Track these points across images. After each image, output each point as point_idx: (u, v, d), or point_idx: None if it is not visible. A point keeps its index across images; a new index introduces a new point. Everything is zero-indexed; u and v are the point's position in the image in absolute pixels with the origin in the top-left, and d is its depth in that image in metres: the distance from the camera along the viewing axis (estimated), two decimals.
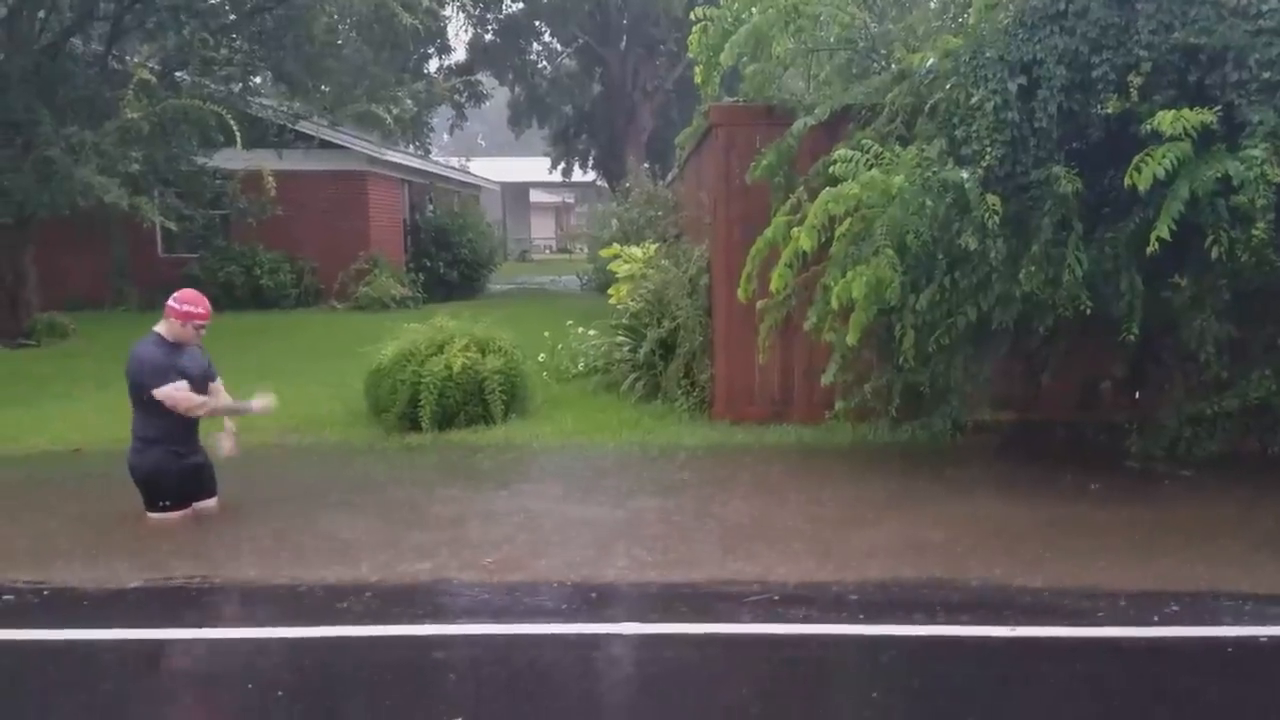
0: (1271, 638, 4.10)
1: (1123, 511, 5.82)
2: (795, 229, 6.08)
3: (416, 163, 23.70)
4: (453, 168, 29.84)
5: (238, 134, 12.30)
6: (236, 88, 15.31)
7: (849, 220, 6.05)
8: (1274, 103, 5.08)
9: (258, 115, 15.71)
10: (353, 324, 15.20)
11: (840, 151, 6.19)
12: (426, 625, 4.43)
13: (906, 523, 5.70)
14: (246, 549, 5.38)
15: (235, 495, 6.19)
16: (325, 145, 18.43)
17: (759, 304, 7.02)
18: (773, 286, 6.31)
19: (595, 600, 4.70)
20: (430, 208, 23.62)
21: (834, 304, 6.02)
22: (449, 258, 21.08)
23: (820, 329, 6.55)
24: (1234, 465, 6.47)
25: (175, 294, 5.87)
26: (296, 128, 16.79)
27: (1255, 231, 5.01)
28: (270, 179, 13.75)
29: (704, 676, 3.97)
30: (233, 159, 14.27)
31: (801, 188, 6.89)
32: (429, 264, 20.60)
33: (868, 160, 5.99)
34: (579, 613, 4.59)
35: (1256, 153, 4.95)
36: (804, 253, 6.04)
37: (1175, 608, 4.45)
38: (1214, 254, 5.23)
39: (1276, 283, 5.51)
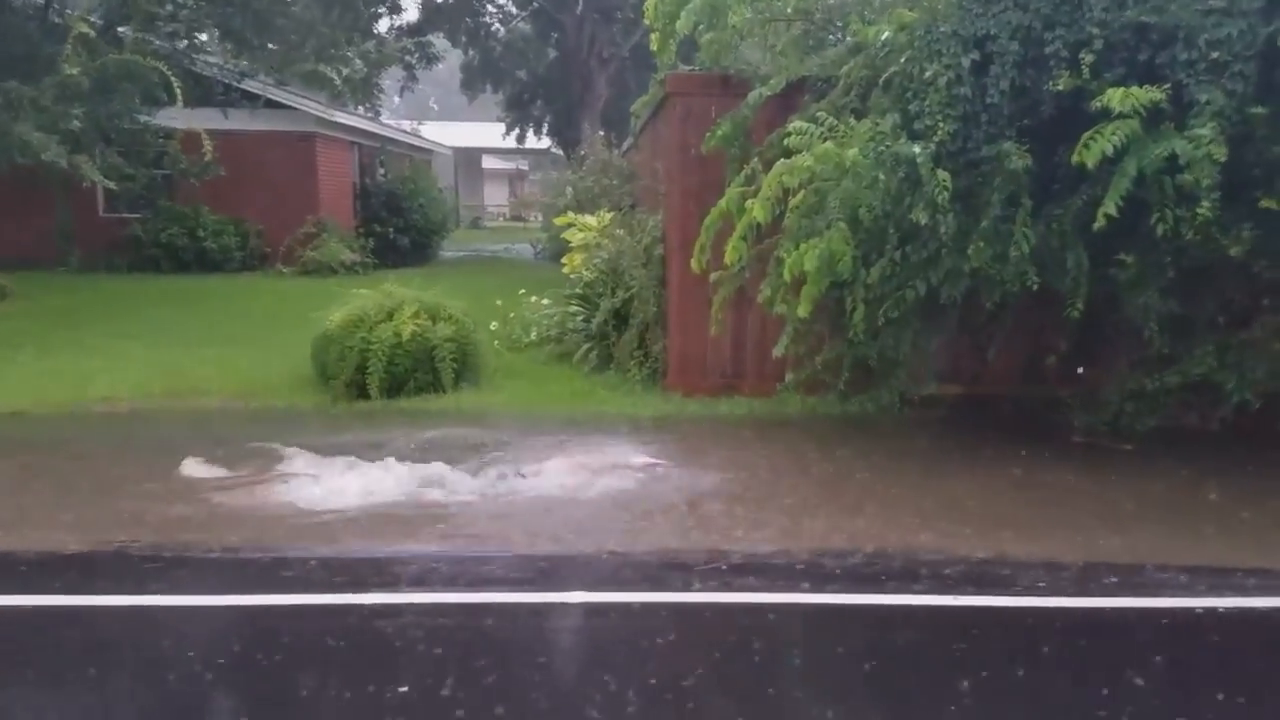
0: (1207, 609, 4.20)
1: (1064, 484, 5.94)
2: (750, 200, 6.07)
3: (366, 125, 23.29)
4: (404, 131, 29.38)
5: (179, 91, 11.99)
6: (181, 44, 14.91)
7: (803, 193, 6.05)
8: (1221, 83, 5.14)
9: (202, 73, 15.33)
10: (299, 289, 14.98)
11: (795, 123, 6.18)
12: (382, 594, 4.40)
13: (850, 495, 5.77)
14: (191, 515, 5.30)
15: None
16: (272, 105, 18.03)
17: (713, 275, 7.01)
18: (727, 258, 6.29)
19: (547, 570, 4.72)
20: (381, 171, 23.26)
21: (786, 276, 6.02)
22: (400, 223, 20.79)
23: (773, 301, 6.57)
24: (1175, 440, 6.61)
25: None
26: (242, 87, 16.41)
27: (1200, 210, 5.08)
28: (208, 140, 13.38)
29: (658, 643, 4.00)
30: (177, 117, 13.93)
31: (756, 159, 6.86)
32: (379, 229, 20.29)
33: (822, 133, 5.98)
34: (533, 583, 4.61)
35: (1204, 132, 5.01)
36: (758, 225, 6.03)
37: (1114, 579, 4.55)
38: (1159, 231, 5.30)
39: (1220, 261, 5.60)
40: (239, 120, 16.34)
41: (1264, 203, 5.25)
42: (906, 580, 4.56)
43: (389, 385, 8.01)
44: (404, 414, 7.69)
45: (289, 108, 18.62)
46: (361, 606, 4.21)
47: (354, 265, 17.93)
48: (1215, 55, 5.16)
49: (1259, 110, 5.11)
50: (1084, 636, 4.07)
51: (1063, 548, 4.91)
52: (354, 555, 4.86)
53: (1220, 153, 4.97)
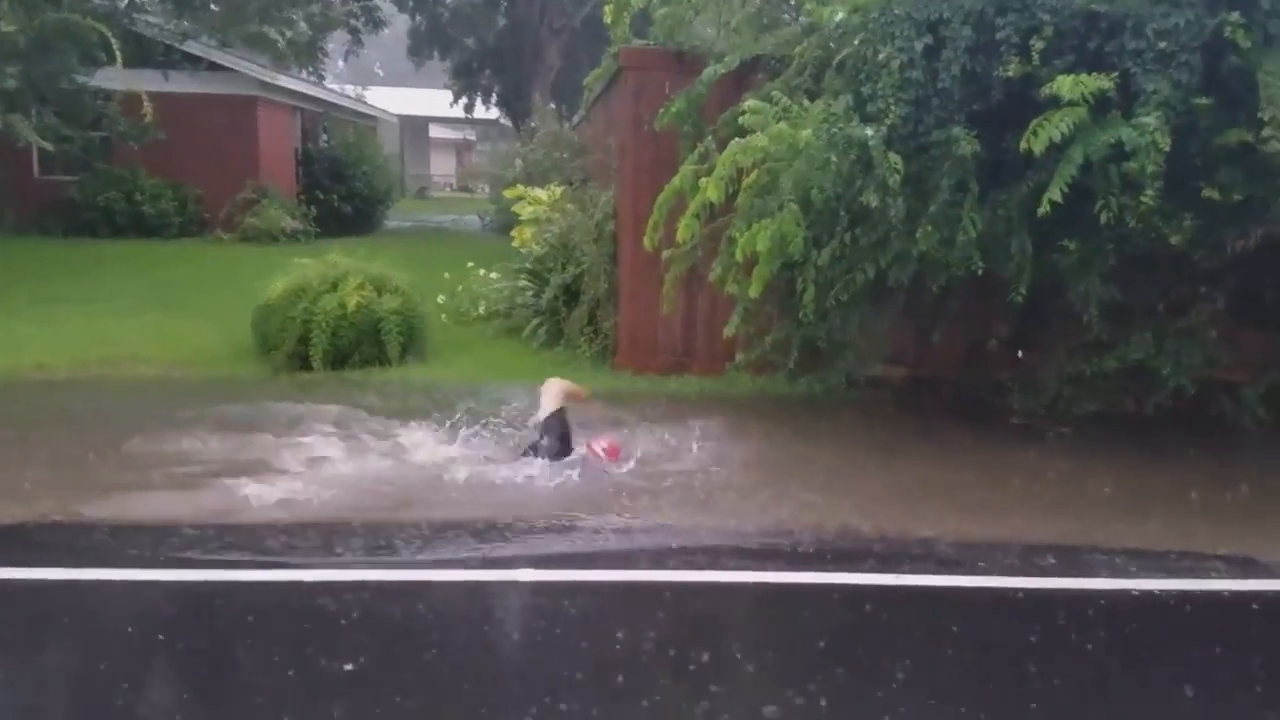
0: (1142, 590, 4.31)
1: (1002, 466, 6.06)
2: (703, 179, 6.05)
3: (310, 89, 22.82)
4: (348, 96, 28.83)
5: (118, 52, 11.64)
6: (121, 3, 14.47)
7: (756, 173, 6.06)
8: (1168, 72, 5.21)
9: (143, 34, 14.90)
10: (239, 256, 14.71)
11: (750, 102, 6.17)
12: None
13: (793, 475, 5.80)
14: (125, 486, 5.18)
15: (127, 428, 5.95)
16: (214, 68, 17.60)
17: (665, 253, 6.99)
18: (679, 237, 6.28)
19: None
20: (324, 138, 22.77)
21: (738, 256, 6.03)
22: (343, 191, 20.42)
23: (724, 280, 6.57)
24: (1112, 424, 6.75)
25: None
26: (184, 48, 15.99)
27: (1144, 198, 5.16)
28: (148, 103, 12.99)
29: (603, 620, 4.01)
30: (116, 78, 13.50)
31: (710, 137, 6.84)
32: (322, 196, 19.90)
33: (777, 113, 5.98)
34: None
35: (1149, 120, 5.08)
36: (711, 204, 6.03)
37: (1051, 559, 4.65)
38: (1103, 219, 5.38)
39: (1161, 249, 5.71)
40: (179, 82, 15.91)
41: (1206, 192, 5.34)
42: (850, 559, 4.62)
43: (333, 357, 7.89)
44: (351, 385, 7.58)
45: (231, 70, 18.16)
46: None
47: (295, 233, 17.59)
48: (1163, 45, 5.22)
49: (1203, 101, 5.18)
50: (1022, 617, 4.15)
51: (1001, 528, 5.01)
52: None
53: (1164, 141, 5.04)
